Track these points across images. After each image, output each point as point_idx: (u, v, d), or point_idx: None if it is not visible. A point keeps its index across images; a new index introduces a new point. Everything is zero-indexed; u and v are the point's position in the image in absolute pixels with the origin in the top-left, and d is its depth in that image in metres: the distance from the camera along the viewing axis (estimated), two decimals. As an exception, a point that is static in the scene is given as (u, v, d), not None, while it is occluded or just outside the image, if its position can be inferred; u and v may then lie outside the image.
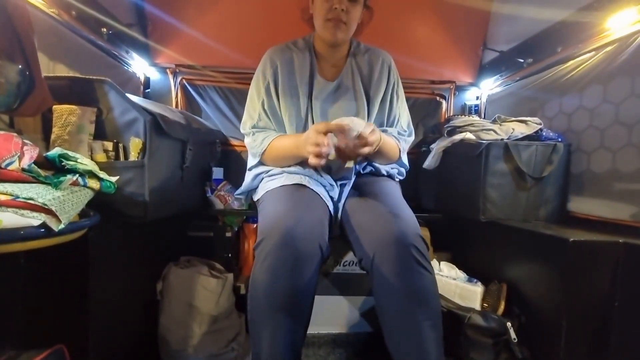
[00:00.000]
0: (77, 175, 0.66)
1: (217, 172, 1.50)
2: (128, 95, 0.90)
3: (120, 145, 0.89)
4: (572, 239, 0.86)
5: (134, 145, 0.89)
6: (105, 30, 1.27)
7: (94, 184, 0.68)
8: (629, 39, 1.04)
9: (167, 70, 1.67)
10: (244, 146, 1.72)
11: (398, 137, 1.02)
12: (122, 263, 0.92)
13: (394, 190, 0.96)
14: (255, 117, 1.00)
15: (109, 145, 0.88)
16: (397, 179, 1.07)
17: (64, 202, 0.59)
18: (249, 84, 1.69)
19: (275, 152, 0.96)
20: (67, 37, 1.14)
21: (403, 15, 1.64)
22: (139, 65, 1.59)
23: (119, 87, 0.88)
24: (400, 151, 1.02)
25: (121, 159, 0.89)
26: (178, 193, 1.10)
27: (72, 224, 0.65)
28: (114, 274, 0.87)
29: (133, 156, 0.89)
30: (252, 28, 1.60)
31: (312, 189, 0.89)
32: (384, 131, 1.01)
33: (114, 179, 0.75)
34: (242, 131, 1.04)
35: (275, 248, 0.72)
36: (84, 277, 0.75)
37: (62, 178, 0.61)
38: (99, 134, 0.88)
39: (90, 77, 0.87)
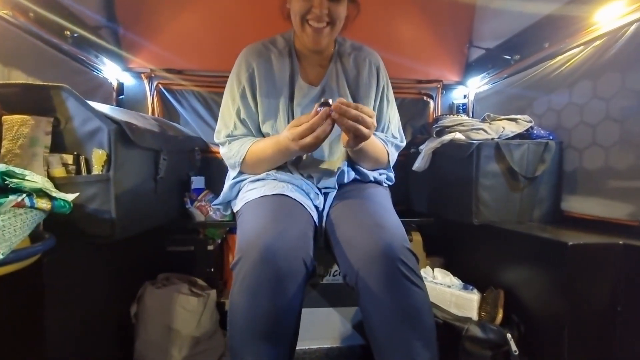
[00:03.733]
0: (24, 195, 0.58)
1: (198, 182, 1.42)
2: (89, 102, 0.82)
3: (82, 157, 0.80)
4: (570, 243, 0.82)
5: (97, 157, 0.80)
6: (68, 33, 1.17)
7: (43, 204, 0.60)
8: (617, 33, 1.01)
9: (142, 75, 1.58)
10: (226, 152, 1.68)
11: (386, 141, 0.95)
12: (88, 287, 0.83)
13: (381, 198, 0.89)
14: (231, 126, 0.92)
15: (69, 158, 0.79)
16: (386, 184, 1.01)
17: (4, 229, 0.51)
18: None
19: (256, 157, 0.88)
20: (25, 41, 1.04)
21: (386, 13, 1.59)
22: (110, 71, 1.49)
23: (78, 94, 0.80)
24: (388, 155, 0.96)
25: (83, 173, 0.80)
26: (152, 207, 1.02)
27: (18, 252, 0.57)
28: (77, 300, 0.79)
29: (96, 169, 0.81)
30: (232, 28, 1.51)
31: (294, 199, 0.83)
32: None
33: (71, 196, 0.67)
34: (216, 140, 0.95)
35: (254, 266, 0.65)
36: (38, 308, 0.67)
37: (1, 200, 0.53)
38: (57, 147, 0.79)
39: (45, 83, 0.78)
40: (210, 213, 1.33)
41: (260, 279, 0.65)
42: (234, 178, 0.96)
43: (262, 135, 0.94)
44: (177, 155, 1.26)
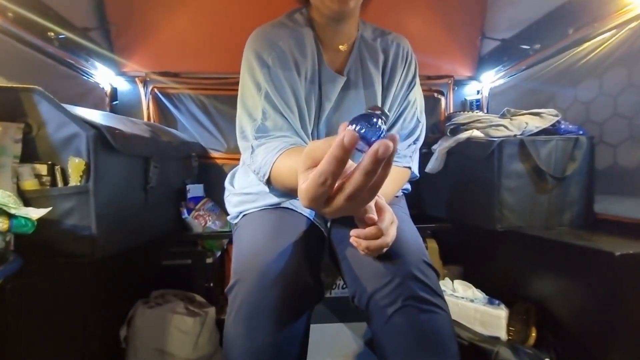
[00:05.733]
0: (-24, 213, 0.49)
1: (195, 190, 1.33)
2: (65, 105, 0.73)
3: (57, 167, 0.72)
4: (618, 253, 0.70)
5: (75, 166, 0.72)
6: (53, 34, 1.10)
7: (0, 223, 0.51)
8: (656, 12, 0.90)
9: (137, 79, 1.50)
10: (226, 158, 1.59)
11: (411, 158, 0.79)
12: (68, 312, 0.74)
13: (395, 207, 0.76)
14: (258, 117, 0.69)
15: (42, 168, 0.71)
16: (401, 193, 0.89)
17: (-57, 256, 0.43)
18: (229, 90, 1.42)
19: (281, 184, 0.64)
20: (4, 43, 0.97)
21: (393, 4, 1.49)
22: (103, 75, 1.42)
23: (51, 96, 0.72)
24: (410, 169, 0.80)
25: (59, 185, 0.72)
26: (142, 220, 0.93)
27: (-31, 281, 0.48)
28: (55, 328, 0.70)
29: (74, 180, 0.72)
30: (230, 28, 1.41)
31: (299, 212, 0.72)
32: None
33: (38, 213, 0.58)
34: (241, 144, 0.72)
35: (253, 293, 0.55)
36: (3, 341, 0.58)
37: (-59, 221, 0.44)
38: (29, 156, 0.71)
39: (14, 85, 0.70)
40: (209, 223, 1.24)
41: (258, 307, 0.55)
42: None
43: (301, 119, 0.74)
44: (172, 162, 1.17)
